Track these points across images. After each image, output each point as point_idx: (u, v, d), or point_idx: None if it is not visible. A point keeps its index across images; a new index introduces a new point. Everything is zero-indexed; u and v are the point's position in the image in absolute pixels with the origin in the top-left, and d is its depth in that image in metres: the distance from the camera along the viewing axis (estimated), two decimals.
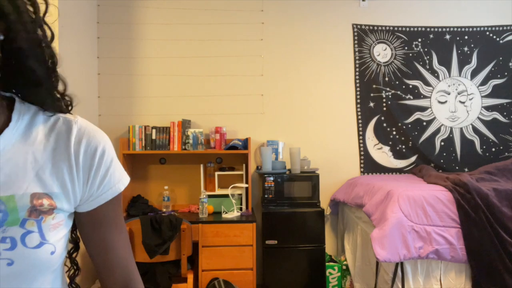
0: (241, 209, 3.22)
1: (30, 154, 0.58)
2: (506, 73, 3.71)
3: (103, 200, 0.66)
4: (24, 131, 0.60)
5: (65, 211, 0.61)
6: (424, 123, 3.65)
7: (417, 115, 3.65)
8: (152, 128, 3.27)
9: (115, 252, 0.69)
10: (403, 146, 3.63)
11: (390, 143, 3.63)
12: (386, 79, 3.64)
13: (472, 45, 3.72)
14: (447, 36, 3.71)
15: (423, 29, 3.69)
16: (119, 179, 0.67)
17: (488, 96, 3.71)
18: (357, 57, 3.65)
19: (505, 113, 3.70)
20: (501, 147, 3.68)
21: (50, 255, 0.57)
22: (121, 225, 0.71)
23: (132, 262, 0.73)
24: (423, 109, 3.66)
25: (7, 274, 0.53)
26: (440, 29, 3.71)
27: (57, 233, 0.59)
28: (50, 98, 0.62)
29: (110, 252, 0.69)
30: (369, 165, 3.62)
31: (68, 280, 0.72)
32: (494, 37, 3.74)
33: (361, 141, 3.62)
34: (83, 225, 0.67)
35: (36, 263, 0.55)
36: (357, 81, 3.64)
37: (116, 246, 0.70)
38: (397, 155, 3.63)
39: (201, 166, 3.31)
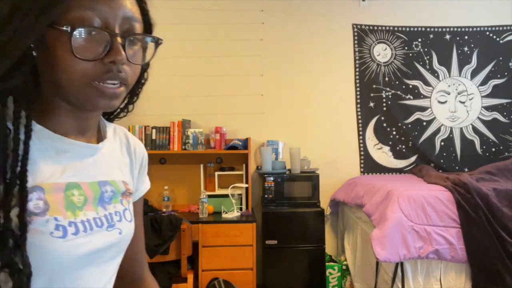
0: (241, 209, 3.22)
1: (112, 150, 0.73)
2: (506, 73, 3.71)
3: (142, 193, 0.82)
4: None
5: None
6: (424, 123, 3.65)
7: (417, 115, 3.65)
8: (152, 128, 3.27)
9: (140, 242, 0.84)
10: (403, 146, 3.63)
11: (390, 143, 3.63)
12: (386, 79, 3.64)
13: (472, 45, 3.72)
14: (447, 36, 3.71)
15: (423, 29, 3.69)
16: (147, 178, 0.86)
17: (488, 96, 3.71)
18: (357, 57, 3.65)
19: (505, 113, 3.70)
20: (501, 147, 3.68)
21: (133, 229, 0.72)
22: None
23: (145, 252, 0.89)
24: (423, 109, 3.66)
25: (118, 241, 0.67)
26: (440, 29, 3.71)
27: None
28: (128, 109, 0.78)
29: (137, 241, 0.81)
30: (369, 165, 3.62)
31: None
32: (494, 37, 3.74)
33: (361, 141, 3.62)
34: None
35: (130, 234, 0.71)
36: (357, 81, 3.64)
37: (141, 237, 0.85)
38: (397, 155, 3.63)
39: (201, 166, 3.31)
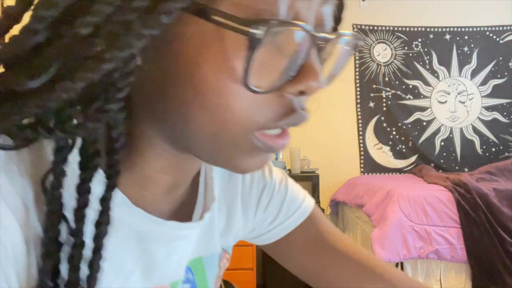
0: None
1: (215, 207, 0.44)
2: (506, 73, 3.71)
3: (279, 235, 0.51)
4: None
5: None
6: (424, 123, 3.65)
7: (417, 115, 3.65)
8: None
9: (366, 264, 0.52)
10: (403, 146, 3.63)
11: (390, 143, 3.63)
12: (386, 79, 3.64)
13: (472, 45, 3.71)
14: (447, 36, 3.71)
15: (423, 29, 3.69)
16: (295, 213, 0.53)
17: (488, 96, 3.70)
18: (357, 57, 3.65)
19: (505, 113, 3.70)
20: (501, 147, 3.67)
21: None
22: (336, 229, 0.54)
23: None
24: (423, 109, 3.66)
25: None
26: (440, 29, 3.70)
27: None
28: None
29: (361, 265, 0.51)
30: (369, 165, 3.61)
31: None
32: (494, 37, 3.73)
33: (361, 141, 3.62)
34: (294, 254, 0.52)
35: None
36: (357, 81, 3.64)
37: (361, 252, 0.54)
38: (397, 155, 3.62)
39: None
